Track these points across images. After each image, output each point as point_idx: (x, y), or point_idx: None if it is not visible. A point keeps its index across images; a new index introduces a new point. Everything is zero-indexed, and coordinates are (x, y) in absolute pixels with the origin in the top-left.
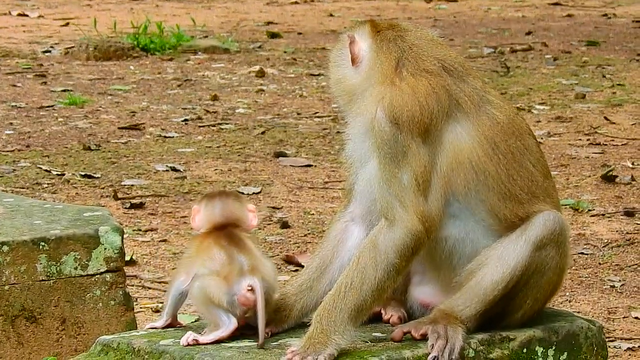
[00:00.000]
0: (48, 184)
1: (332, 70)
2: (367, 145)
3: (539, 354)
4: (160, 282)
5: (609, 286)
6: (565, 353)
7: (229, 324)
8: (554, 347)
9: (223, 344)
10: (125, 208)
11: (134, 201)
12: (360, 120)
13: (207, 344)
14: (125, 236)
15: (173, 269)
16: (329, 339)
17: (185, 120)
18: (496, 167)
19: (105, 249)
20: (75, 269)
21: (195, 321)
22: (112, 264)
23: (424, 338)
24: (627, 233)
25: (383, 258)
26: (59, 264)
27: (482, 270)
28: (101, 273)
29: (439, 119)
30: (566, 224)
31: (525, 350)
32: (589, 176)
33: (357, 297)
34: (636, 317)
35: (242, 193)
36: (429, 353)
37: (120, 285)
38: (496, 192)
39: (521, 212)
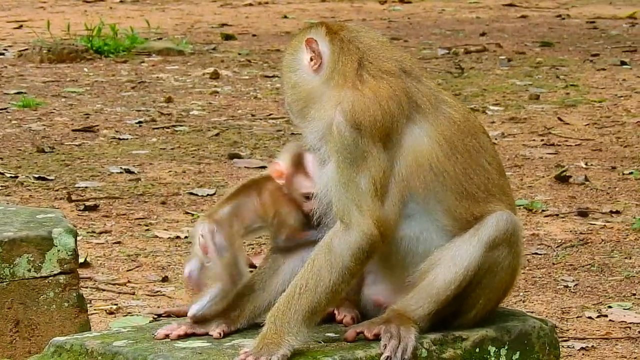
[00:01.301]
0: (1, 186)
1: (287, 75)
2: (324, 149)
3: (492, 353)
4: (114, 284)
5: (562, 286)
6: (518, 352)
7: None
8: (506, 347)
9: (176, 345)
10: (80, 210)
11: (88, 203)
12: (318, 125)
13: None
14: (79, 238)
15: (128, 270)
16: (282, 340)
17: (140, 122)
18: (454, 166)
19: (58, 250)
20: (29, 270)
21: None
22: (65, 265)
23: (377, 338)
24: (581, 233)
25: (338, 261)
26: (12, 266)
27: (435, 270)
28: (55, 275)
29: (400, 122)
30: (519, 224)
31: (477, 350)
32: (543, 176)
33: (311, 299)
34: (589, 317)
35: (196, 195)
36: (382, 353)
37: (74, 287)
38: (453, 192)
39: (477, 211)
